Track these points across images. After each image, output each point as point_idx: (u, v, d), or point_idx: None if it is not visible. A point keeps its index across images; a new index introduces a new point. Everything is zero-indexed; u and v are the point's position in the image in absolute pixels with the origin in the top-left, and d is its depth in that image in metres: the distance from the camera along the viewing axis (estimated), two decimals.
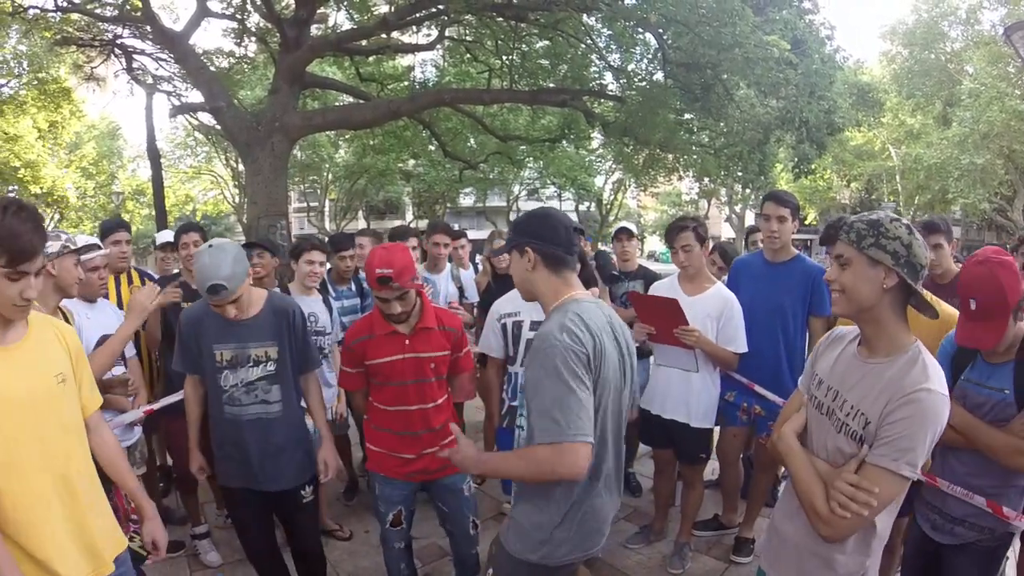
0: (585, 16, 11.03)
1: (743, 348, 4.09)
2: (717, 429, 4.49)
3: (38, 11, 12.09)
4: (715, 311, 4.09)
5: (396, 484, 3.44)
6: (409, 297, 3.17)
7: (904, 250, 1.90)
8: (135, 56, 14.53)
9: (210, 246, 3.07)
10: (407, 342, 3.28)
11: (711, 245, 4.71)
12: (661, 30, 10.86)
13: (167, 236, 5.72)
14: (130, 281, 5.13)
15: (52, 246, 3.28)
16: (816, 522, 1.97)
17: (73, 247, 3.37)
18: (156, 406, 4.19)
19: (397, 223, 38.30)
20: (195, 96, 13.69)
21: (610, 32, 11.93)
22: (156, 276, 5.49)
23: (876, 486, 1.85)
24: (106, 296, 4.34)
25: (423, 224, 34.33)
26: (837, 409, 2.06)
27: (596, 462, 2.26)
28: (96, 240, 4.13)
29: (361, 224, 44.87)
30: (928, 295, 3.31)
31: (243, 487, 3.39)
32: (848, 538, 2.00)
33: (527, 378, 2.25)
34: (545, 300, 2.44)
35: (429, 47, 14.33)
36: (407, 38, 15.49)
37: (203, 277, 2.97)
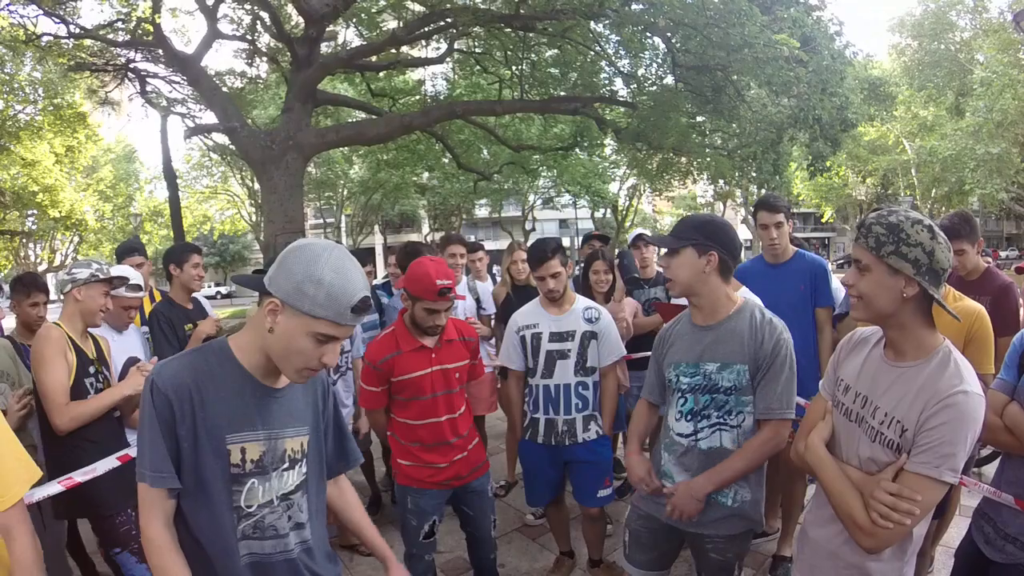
0: (593, 23, 11.02)
1: None
2: None
3: (52, 38, 12.23)
4: None
5: (430, 494, 3.46)
6: (450, 309, 3.32)
7: (926, 258, 1.82)
8: (148, 79, 14.69)
9: (322, 245, 1.82)
10: (434, 355, 3.35)
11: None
12: (669, 34, 10.86)
13: None
14: (152, 299, 5.19)
15: (81, 273, 3.33)
16: (857, 533, 1.91)
17: (103, 276, 3.41)
18: None
19: (413, 237, 38.43)
20: (209, 117, 13.79)
21: (618, 38, 11.93)
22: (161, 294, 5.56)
23: (918, 494, 1.80)
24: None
25: (439, 236, 34.42)
26: (868, 416, 2.00)
27: None
28: (140, 281, 4.13)
29: (378, 239, 45.02)
30: (952, 291, 3.29)
31: None
32: (889, 547, 1.95)
33: (774, 358, 2.59)
34: (711, 301, 2.69)
35: (439, 60, 14.38)
36: (417, 52, 15.57)
37: (346, 286, 1.73)
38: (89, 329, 3.51)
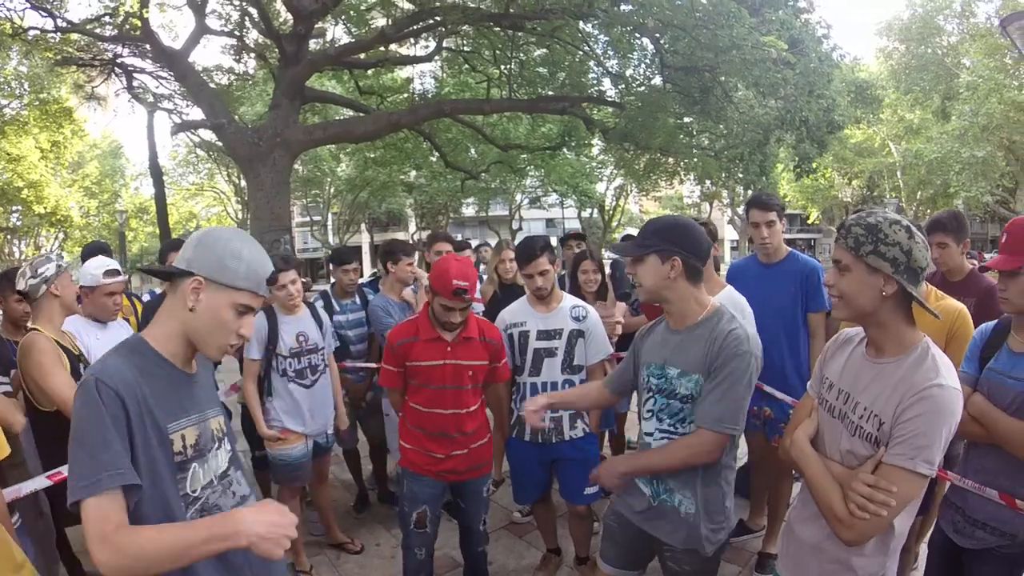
0: (582, 23, 11.04)
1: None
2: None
3: (38, 32, 12.14)
4: None
5: (425, 481, 3.52)
6: (467, 309, 3.38)
7: (904, 256, 1.86)
8: (135, 75, 14.63)
9: (231, 229, 2.06)
10: (449, 349, 3.42)
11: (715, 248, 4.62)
12: (658, 35, 10.88)
13: None
14: (132, 305, 5.19)
15: (48, 269, 3.34)
16: (836, 526, 1.94)
17: (64, 265, 3.45)
18: None
19: (400, 235, 38.39)
20: (196, 113, 13.74)
21: (607, 38, 11.93)
22: (150, 296, 5.56)
23: (894, 485, 1.82)
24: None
25: (425, 234, 34.44)
26: (850, 412, 2.03)
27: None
28: (117, 265, 4.15)
29: (364, 237, 44.94)
30: (934, 290, 3.31)
31: None
32: (869, 540, 1.96)
33: (721, 367, 2.45)
34: (680, 307, 2.60)
35: (427, 59, 14.38)
36: (405, 50, 15.56)
37: (261, 260, 1.97)
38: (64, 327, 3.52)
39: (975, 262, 4.42)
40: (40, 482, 3.02)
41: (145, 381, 1.78)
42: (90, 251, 5.32)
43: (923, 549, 4.02)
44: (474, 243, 9.09)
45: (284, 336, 4.30)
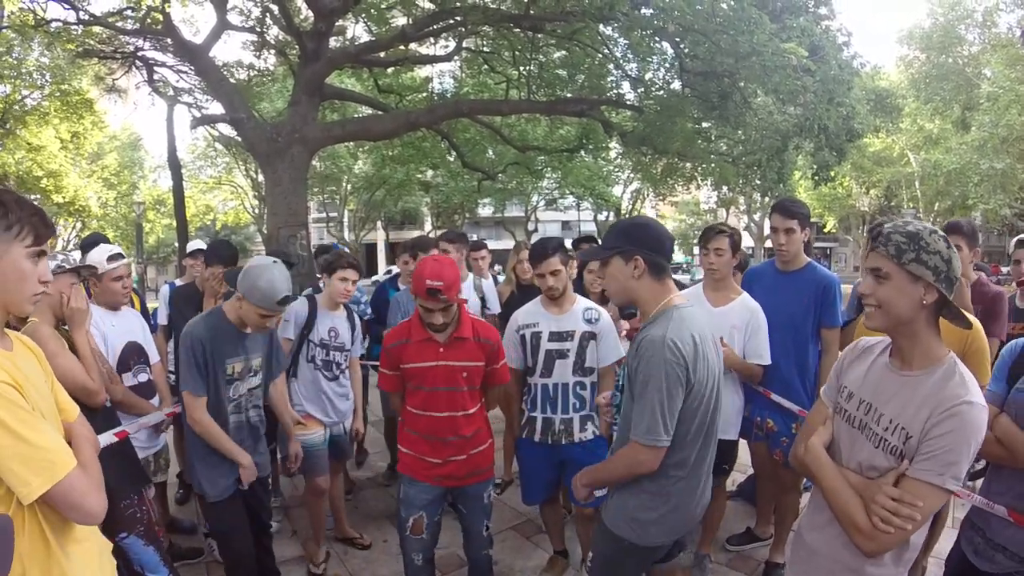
0: (602, 26, 11.00)
1: (767, 360, 4.00)
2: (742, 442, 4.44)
3: (60, 24, 12.20)
4: (741, 322, 4.02)
5: (422, 486, 3.47)
6: (452, 309, 3.30)
7: (945, 265, 1.86)
8: (156, 68, 14.66)
9: (265, 263, 3.47)
10: (441, 350, 3.36)
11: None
12: (678, 39, 10.82)
13: (197, 244, 5.82)
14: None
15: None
16: (857, 537, 1.93)
17: (68, 267, 3.33)
18: (179, 408, 4.23)
19: (415, 234, 38.53)
20: (215, 108, 13.79)
21: (627, 42, 11.88)
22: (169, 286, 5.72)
23: (919, 500, 1.83)
24: (131, 304, 4.37)
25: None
26: (872, 423, 2.02)
27: (685, 455, 2.53)
28: (119, 249, 4.16)
29: (380, 235, 45.10)
30: None
31: None
32: (888, 552, 1.96)
33: (636, 376, 2.46)
34: (646, 306, 2.58)
35: (447, 58, 14.37)
36: (425, 49, 15.54)
37: (272, 291, 3.36)
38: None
39: (981, 272, 4.40)
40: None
41: (217, 334, 3.45)
42: (89, 242, 5.32)
43: (930, 563, 4.02)
44: (490, 244, 9.11)
45: (319, 325, 4.50)
